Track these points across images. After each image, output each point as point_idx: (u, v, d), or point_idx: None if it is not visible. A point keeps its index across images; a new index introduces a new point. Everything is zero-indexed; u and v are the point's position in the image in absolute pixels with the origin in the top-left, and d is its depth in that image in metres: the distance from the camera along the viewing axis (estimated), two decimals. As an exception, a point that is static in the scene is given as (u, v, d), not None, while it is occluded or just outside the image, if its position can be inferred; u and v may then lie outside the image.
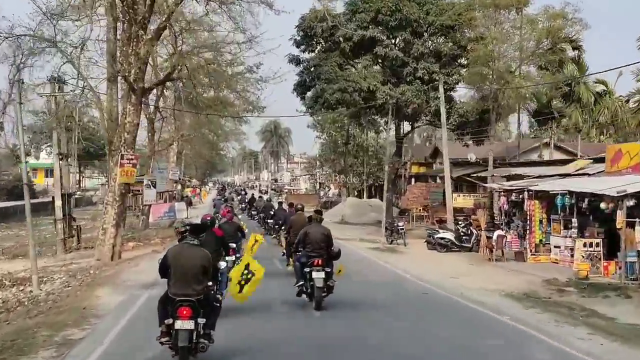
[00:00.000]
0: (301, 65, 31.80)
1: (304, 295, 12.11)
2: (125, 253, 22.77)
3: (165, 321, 7.78)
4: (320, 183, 78.86)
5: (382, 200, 46.20)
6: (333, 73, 29.34)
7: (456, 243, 23.56)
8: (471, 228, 23.86)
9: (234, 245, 13.48)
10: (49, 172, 78.51)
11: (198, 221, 11.75)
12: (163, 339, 7.89)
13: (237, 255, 13.41)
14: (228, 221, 15.28)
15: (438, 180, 43.86)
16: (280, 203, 28.09)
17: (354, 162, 44.52)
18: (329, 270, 11.89)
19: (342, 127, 43.46)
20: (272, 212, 27.30)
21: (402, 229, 25.95)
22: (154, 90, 34.03)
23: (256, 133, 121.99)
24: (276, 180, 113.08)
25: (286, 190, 70.14)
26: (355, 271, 17.02)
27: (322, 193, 66.19)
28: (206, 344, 7.95)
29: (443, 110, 29.47)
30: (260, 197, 44.14)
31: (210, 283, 8.44)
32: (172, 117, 39.20)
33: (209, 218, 11.96)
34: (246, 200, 45.61)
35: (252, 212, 38.26)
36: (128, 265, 19.99)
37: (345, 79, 29.28)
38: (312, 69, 30.57)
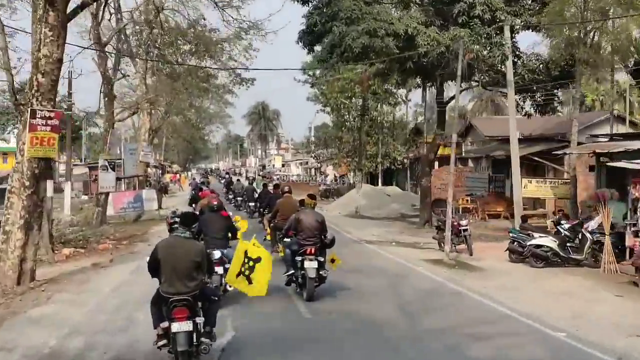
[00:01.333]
0: (310, 4, 23.30)
1: (293, 284, 11.53)
2: (47, 269, 14.52)
3: (161, 324, 7.06)
4: (316, 169, 70.49)
5: (402, 188, 38.63)
6: (357, 10, 20.86)
7: (560, 253, 15.38)
8: (582, 230, 15.63)
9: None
10: None
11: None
12: (160, 343, 7.11)
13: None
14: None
15: (470, 164, 35.75)
16: (265, 185, 24.79)
17: (367, 140, 36.26)
18: (321, 259, 11.27)
19: (354, 98, 35.05)
20: (255, 195, 26.33)
21: (467, 229, 17.66)
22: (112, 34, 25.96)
23: (242, 116, 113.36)
24: (264, 167, 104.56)
25: (276, 177, 61.58)
26: (451, 325, 9.48)
27: (319, 180, 57.92)
28: (208, 344, 7.23)
29: (510, 64, 21.25)
30: (237, 180, 41.28)
31: (206, 277, 7.82)
32: (138, 74, 30.71)
33: (215, 202, 11.60)
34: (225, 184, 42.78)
35: (230, 196, 35.79)
36: (38, 298, 11.70)
37: (374, 17, 20.84)
38: (326, 7, 22.07)
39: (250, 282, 9.13)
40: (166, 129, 64.94)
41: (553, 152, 22.71)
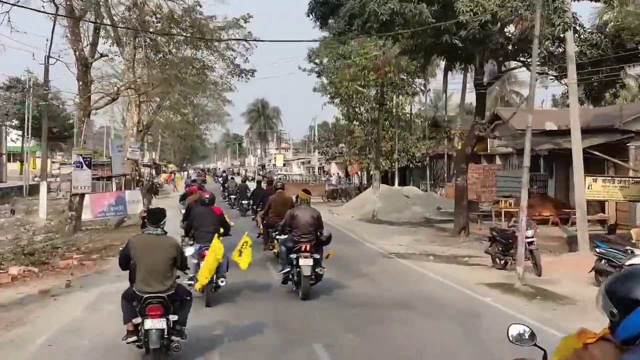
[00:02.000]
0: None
1: (289, 282, 11.18)
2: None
3: (133, 320, 7.02)
4: (319, 168, 66.47)
5: (421, 188, 34.61)
6: (384, -32, 16.86)
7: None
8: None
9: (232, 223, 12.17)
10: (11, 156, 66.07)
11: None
12: (130, 339, 7.11)
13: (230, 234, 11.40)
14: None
15: (498, 162, 31.75)
16: (258, 182, 24.98)
17: (382, 135, 32.31)
18: (317, 256, 10.88)
19: (367, 87, 30.96)
20: (248, 193, 26.26)
21: (533, 242, 13.60)
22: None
23: (241, 114, 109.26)
24: (264, 167, 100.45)
25: (278, 177, 57.60)
26: None
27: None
28: (179, 342, 7.13)
29: (571, 35, 17.27)
30: (232, 178, 40.38)
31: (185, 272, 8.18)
32: (122, 57, 26.81)
33: (207, 196, 11.37)
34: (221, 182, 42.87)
35: (225, 194, 35.04)
36: None
37: (405, -24, 16.84)
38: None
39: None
40: (159, 124, 61.19)
41: (615, 145, 18.68)
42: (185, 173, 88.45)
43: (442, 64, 33.40)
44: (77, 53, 21.23)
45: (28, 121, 52.45)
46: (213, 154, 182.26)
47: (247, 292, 11.34)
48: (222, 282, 10.20)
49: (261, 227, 16.16)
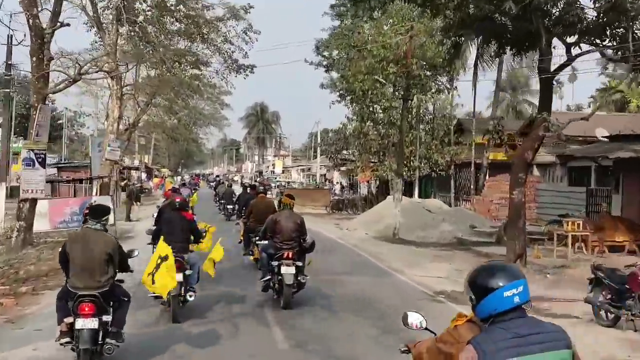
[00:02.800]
0: None
1: (270, 290, 10.80)
2: None
3: (65, 319, 6.68)
4: (322, 175, 61.91)
5: (445, 202, 29.91)
6: None
7: None
8: None
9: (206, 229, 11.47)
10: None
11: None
12: (63, 340, 6.73)
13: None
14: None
15: (536, 172, 27.24)
16: (244, 187, 24.24)
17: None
18: (300, 264, 10.49)
19: (386, 81, 26.33)
20: (233, 198, 26.29)
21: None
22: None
23: (239, 119, 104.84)
24: (261, 173, 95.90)
25: (277, 184, 52.93)
26: None
27: (328, 187, 49.35)
28: (113, 345, 6.78)
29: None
30: (222, 182, 41.27)
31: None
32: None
33: (178, 200, 10.45)
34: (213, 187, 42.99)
35: (216, 199, 34.96)
36: None
37: None
38: None
39: (153, 282, 7.91)
40: (150, 124, 56.53)
41: None
42: (179, 178, 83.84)
43: (472, 55, 29.02)
44: (30, 20, 16.68)
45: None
46: (210, 159, 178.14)
47: (222, 306, 10.58)
48: (190, 296, 9.44)
49: (242, 232, 15.94)
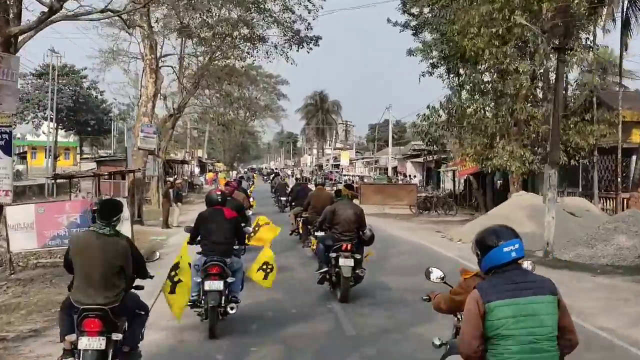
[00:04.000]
0: None
1: (326, 283, 10.56)
2: None
3: (67, 337, 5.63)
4: (393, 168, 54.61)
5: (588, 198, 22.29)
6: None
7: None
8: None
9: (250, 229, 10.87)
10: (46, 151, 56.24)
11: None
12: None
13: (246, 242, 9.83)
14: (228, 197, 10.66)
15: None
16: (297, 179, 27.14)
17: (530, 115, 20.02)
18: (358, 257, 10.12)
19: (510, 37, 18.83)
20: (287, 190, 26.42)
21: None
22: None
23: (296, 111, 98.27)
24: (321, 167, 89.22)
25: (346, 180, 45.85)
26: None
27: (408, 181, 42.13)
28: None
29: None
30: (277, 175, 41.99)
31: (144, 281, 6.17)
32: None
33: (217, 192, 9.01)
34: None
35: (272, 191, 35.43)
36: None
37: None
38: None
39: (171, 291, 7.07)
40: (200, 113, 50.28)
41: None
42: (234, 172, 78.07)
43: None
44: None
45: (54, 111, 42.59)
46: (266, 153, 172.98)
47: (269, 316, 9.27)
48: (232, 309, 8.11)
49: (293, 223, 17.26)
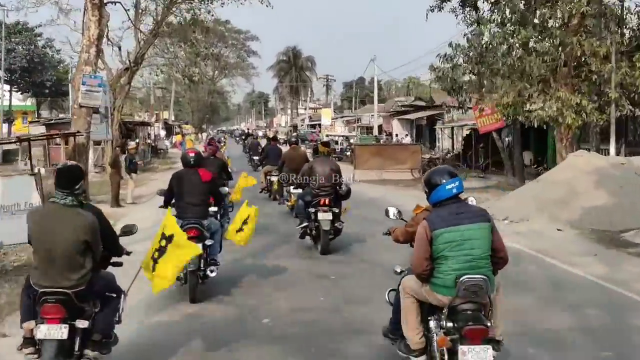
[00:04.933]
0: None
1: (307, 237, 10.96)
2: None
3: (25, 324, 4.92)
4: (378, 127, 49.89)
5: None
6: None
7: None
8: None
9: (226, 189, 11.73)
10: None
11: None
12: (26, 351, 4.89)
13: (223, 203, 9.82)
14: (208, 157, 12.00)
15: None
16: (268, 138, 26.03)
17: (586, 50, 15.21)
18: (336, 210, 10.52)
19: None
20: (259, 149, 26.19)
21: None
22: None
23: (268, 68, 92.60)
24: (296, 127, 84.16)
25: (338, 139, 41.00)
26: None
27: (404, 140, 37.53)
28: (97, 358, 5.01)
29: None
30: (249, 134, 43.08)
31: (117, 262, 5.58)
32: None
33: (192, 154, 8.55)
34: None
35: (245, 151, 36.72)
36: None
37: None
38: None
39: (153, 270, 5.77)
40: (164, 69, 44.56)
41: None
42: (204, 135, 72.73)
43: None
44: None
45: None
46: (237, 115, 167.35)
47: (251, 277, 9.07)
48: (212, 271, 7.91)
49: (262, 181, 17.96)
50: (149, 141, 46.01)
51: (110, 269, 5.52)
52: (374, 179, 24.10)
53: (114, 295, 5.30)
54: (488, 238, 4.67)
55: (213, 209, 8.90)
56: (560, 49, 15.55)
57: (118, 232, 5.66)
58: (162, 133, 64.32)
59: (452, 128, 34.88)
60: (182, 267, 6.20)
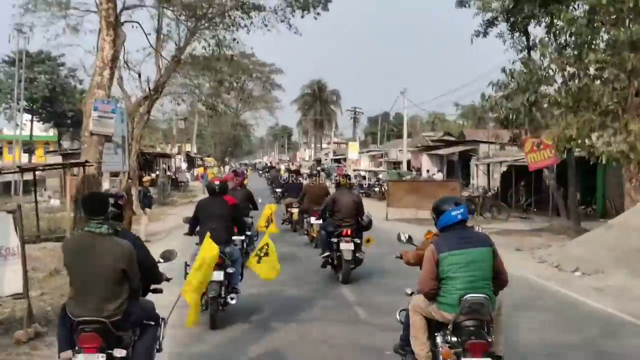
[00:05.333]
0: None
1: (328, 267, 11.34)
2: None
3: (62, 354, 4.83)
4: (407, 162, 47.99)
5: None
6: None
7: None
8: None
9: (249, 220, 12.07)
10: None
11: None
12: None
13: (249, 233, 11.01)
14: (235, 187, 12.80)
15: None
16: (289, 171, 27.20)
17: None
18: (358, 241, 10.88)
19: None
20: (281, 181, 26.77)
21: None
22: None
23: (291, 102, 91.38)
24: (319, 161, 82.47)
25: (365, 174, 39.20)
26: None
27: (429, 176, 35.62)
28: None
29: None
30: (272, 167, 44.27)
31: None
32: None
33: (217, 182, 8.89)
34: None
35: (268, 182, 38.30)
36: None
37: None
38: None
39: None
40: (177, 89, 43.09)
41: None
42: (227, 167, 71.37)
43: None
44: None
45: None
46: (259, 148, 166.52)
47: (270, 307, 9.10)
48: (232, 299, 8.08)
49: (284, 213, 18.77)
50: (169, 173, 44.55)
51: (150, 296, 5.49)
52: (408, 217, 22.18)
53: (152, 323, 5.25)
54: (490, 261, 5.13)
55: (239, 237, 9.34)
56: (631, 76, 13.60)
57: (156, 258, 5.70)
58: (184, 165, 62.99)
59: (488, 165, 32.84)
60: (209, 275, 6.30)
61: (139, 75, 29.09)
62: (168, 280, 5.66)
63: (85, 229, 4.89)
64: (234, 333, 7.79)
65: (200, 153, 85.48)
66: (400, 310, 5.91)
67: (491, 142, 23.87)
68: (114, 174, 28.55)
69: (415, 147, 50.24)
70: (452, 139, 42.09)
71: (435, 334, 5.29)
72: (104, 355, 4.70)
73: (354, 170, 42.84)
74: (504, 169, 32.76)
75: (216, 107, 31.73)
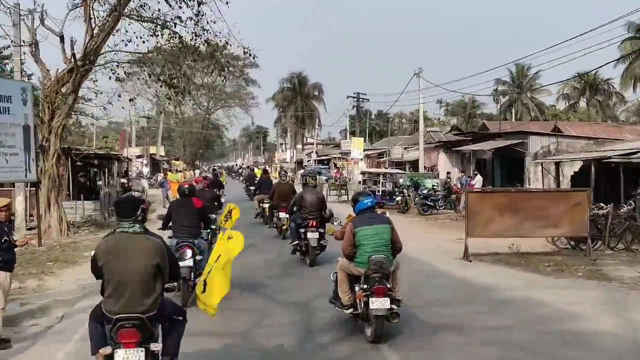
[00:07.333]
0: None
1: (297, 253, 13.58)
2: None
3: (101, 350, 5.03)
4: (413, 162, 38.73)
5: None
6: None
7: None
8: None
9: (213, 216, 12.70)
10: None
11: None
12: None
13: (213, 227, 11.89)
14: (203, 189, 15.19)
15: None
16: (264, 170, 28.11)
17: None
18: (322, 231, 13.07)
19: None
20: (255, 180, 29.46)
21: None
22: None
23: (267, 100, 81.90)
24: (301, 163, 73.01)
25: (379, 178, 30.07)
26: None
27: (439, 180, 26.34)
28: None
29: None
30: (248, 166, 47.60)
31: (170, 285, 5.69)
32: None
33: (186, 186, 10.82)
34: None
35: (242, 181, 42.26)
36: None
37: None
38: None
39: (203, 291, 6.17)
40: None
41: None
42: (197, 171, 61.75)
43: None
44: None
45: None
46: (232, 150, 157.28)
47: (247, 287, 10.77)
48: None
49: (257, 208, 21.47)
50: (123, 181, 34.68)
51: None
52: (500, 251, 13.03)
53: (180, 318, 5.50)
54: (389, 234, 7.75)
55: (205, 231, 10.97)
56: None
57: None
58: (145, 170, 53.16)
59: (557, 164, 23.78)
60: (230, 270, 6.37)
61: (61, 39, 19.33)
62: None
63: (119, 230, 5.19)
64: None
65: (168, 156, 75.79)
66: (333, 273, 8.30)
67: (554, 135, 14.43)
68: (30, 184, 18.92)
69: (429, 143, 41.07)
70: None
71: (354, 285, 7.80)
72: (143, 349, 4.96)
73: (362, 173, 33.27)
74: (575, 169, 23.87)
75: (176, 86, 21.80)
